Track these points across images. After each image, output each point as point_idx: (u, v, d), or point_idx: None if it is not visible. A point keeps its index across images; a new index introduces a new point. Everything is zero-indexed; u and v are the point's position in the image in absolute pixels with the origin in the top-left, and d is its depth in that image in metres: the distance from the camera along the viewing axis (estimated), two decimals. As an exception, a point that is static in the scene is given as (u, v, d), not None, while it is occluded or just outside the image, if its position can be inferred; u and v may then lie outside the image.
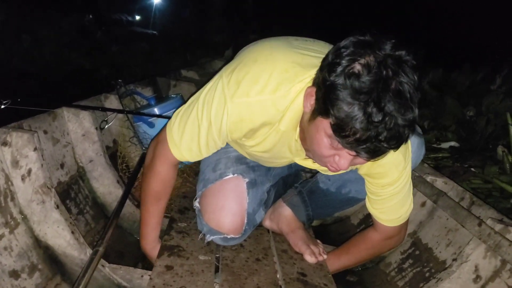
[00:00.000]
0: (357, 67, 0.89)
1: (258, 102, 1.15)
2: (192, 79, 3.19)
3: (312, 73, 1.08)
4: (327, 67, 0.95)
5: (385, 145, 0.91)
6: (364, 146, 0.91)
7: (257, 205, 1.60)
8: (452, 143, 3.03)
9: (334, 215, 2.19)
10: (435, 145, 3.10)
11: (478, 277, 1.38)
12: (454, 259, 1.48)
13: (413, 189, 1.81)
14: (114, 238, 1.80)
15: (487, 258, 1.37)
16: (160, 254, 1.48)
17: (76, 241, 1.44)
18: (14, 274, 1.32)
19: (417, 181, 1.81)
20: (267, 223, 1.78)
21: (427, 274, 1.58)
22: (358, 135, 0.90)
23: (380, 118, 0.87)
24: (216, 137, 1.27)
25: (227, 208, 1.53)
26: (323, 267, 1.62)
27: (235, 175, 1.56)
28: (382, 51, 0.90)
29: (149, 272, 1.39)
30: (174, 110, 2.34)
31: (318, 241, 1.73)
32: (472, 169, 2.61)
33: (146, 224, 1.54)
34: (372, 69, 0.88)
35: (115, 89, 2.33)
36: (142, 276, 1.43)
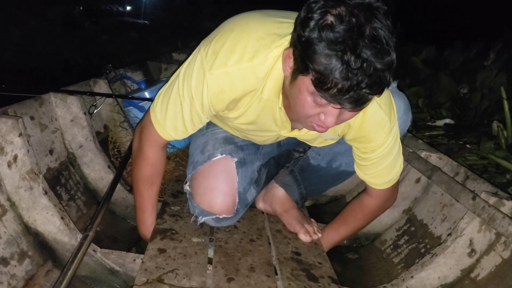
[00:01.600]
0: (330, 18, 0.89)
1: (237, 71, 1.14)
2: (183, 62, 3.15)
3: (288, 38, 1.07)
4: (300, 24, 0.94)
5: (368, 91, 0.91)
6: (347, 95, 0.91)
7: (248, 184, 1.58)
8: (447, 120, 3.02)
9: (328, 194, 2.17)
10: (429, 123, 3.09)
11: (473, 251, 1.37)
12: (449, 234, 1.46)
13: (407, 165, 1.82)
14: (107, 223, 1.79)
15: (482, 232, 1.36)
16: (152, 238, 1.46)
17: (66, 226, 1.42)
18: (3, 262, 1.30)
19: (412, 157, 1.79)
20: (261, 205, 1.76)
21: (422, 250, 1.57)
22: (340, 86, 0.89)
23: (359, 65, 0.87)
24: (199, 111, 1.25)
25: (217, 189, 1.52)
26: (317, 246, 1.61)
27: (224, 155, 1.55)
28: (352, 1, 0.90)
29: (142, 256, 1.38)
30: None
31: (312, 220, 1.72)
32: (468, 145, 2.60)
33: (143, 210, 1.53)
34: (345, 18, 0.88)
35: (104, 74, 2.30)
36: (134, 260, 1.41)
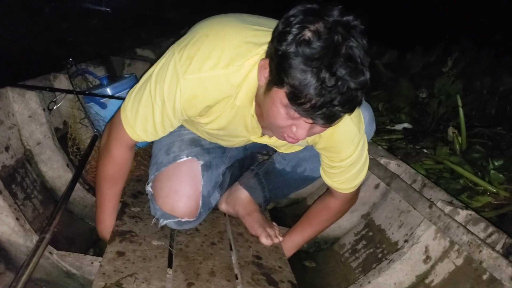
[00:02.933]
0: (307, 34, 0.90)
1: (211, 78, 1.14)
2: (148, 58, 3.08)
3: (265, 48, 1.08)
4: (278, 37, 0.95)
5: (340, 109, 0.93)
6: (320, 112, 0.93)
7: (212, 188, 1.58)
8: (405, 125, 3.10)
9: (290, 197, 2.19)
10: (389, 127, 3.16)
11: (428, 257, 1.42)
12: (406, 240, 1.51)
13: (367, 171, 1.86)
14: (64, 223, 1.74)
15: (437, 239, 1.41)
16: (111, 240, 1.44)
17: (22, 227, 1.37)
18: (-47, 265, 1.25)
19: (371, 163, 1.82)
20: (223, 207, 1.76)
21: (379, 255, 1.61)
22: (313, 102, 0.91)
23: (333, 83, 0.89)
24: (171, 116, 1.24)
25: (181, 192, 1.51)
26: (278, 250, 1.62)
27: (189, 157, 1.54)
28: (330, 17, 0.91)
29: (100, 259, 1.35)
30: (127, 90, 2.27)
31: (274, 223, 1.73)
32: (425, 150, 2.67)
33: (103, 209, 1.50)
34: (322, 35, 0.89)
35: (65, 69, 2.22)
36: (92, 262, 1.38)
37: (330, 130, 1.21)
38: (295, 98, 0.93)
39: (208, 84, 1.15)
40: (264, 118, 1.13)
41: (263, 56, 1.08)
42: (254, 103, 1.22)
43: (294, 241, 1.63)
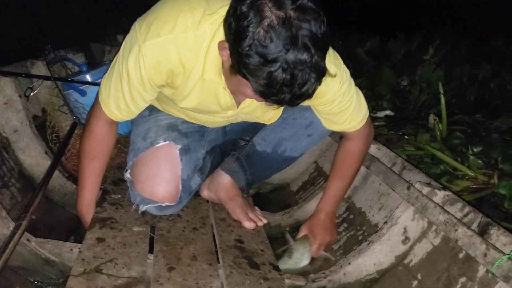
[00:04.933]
0: (261, 33, 0.91)
1: (170, 40, 1.16)
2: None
3: (221, 13, 1.12)
4: (234, 35, 0.97)
5: (301, 100, 1.00)
6: (283, 103, 0.99)
7: (192, 172, 1.57)
8: (387, 112, 3.13)
9: (273, 183, 2.20)
10: (371, 114, 3.18)
11: (406, 238, 1.44)
12: (385, 222, 1.52)
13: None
14: (43, 211, 1.71)
15: (415, 220, 1.43)
16: (91, 227, 1.42)
17: (-2, 216, 1.35)
18: None
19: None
20: (205, 193, 1.76)
21: (360, 237, 1.63)
22: (275, 97, 0.97)
23: (294, 80, 0.93)
24: (139, 88, 1.26)
25: (160, 176, 1.50)
26: (260, 233, 1.63)
27: (167, 142, 1.53)
28: (283, 7, 0.92)
29: (79, 245, 1.34)
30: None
31: (256, 207, 1.74)
32: (406, 136, 2.70)
33: (81, 185, 1.50)
34: (277, 31, 0.91)
35: (43, 55, 2.18)
36: (71, 249, 1.37)
37: None
38: (260, 93, 0.99)
39: (168, 47, 1.17)
40: (233, 89, 1.20)
41: (220, 20, 1.10)
42: (223, 76, 1.24)
43: (329, 200, 1.62)
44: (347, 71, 1.36)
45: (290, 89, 0.95)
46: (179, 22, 1.16)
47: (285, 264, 1.53)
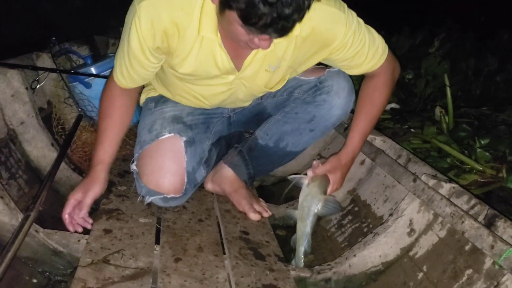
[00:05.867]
0: None
1: (163, 0, 1.21)
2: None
3: None
4: None
5: (290, 20, 0.99)
6: (272, 28, 1.00)
7: (197, 164, 1.58)
8: (393, 105, 3.11)
9: (276, 175, 2.20)
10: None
11: (412, 230, 1.44)
12: (391, 214, 1.53)
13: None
14: (50, 202, 1.72)
15: (421, 212, 1.43)
16: (98, 218, 1.44)
17: (6, 206, 1.36)
18: None
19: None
20: (209, 186, 1.76)
21: (365, 229, 1.63)
22: (263, 20, 0.98)
23: None
24: (138, 53, 1.31)
25: (165, 168, 1.51)
26: (265, 225, 1.64)
27: (172, 134, 1.54)
28: None
29: (87, 237, 1.35)
30: (112, 69, 2.24)
31: (261, 199, 1.74)
32: (412, 129, 2.69)
33: (96, 141, 1.52)
34: None
35: (48, 48, 2.19)
36: (79, 240, 1.37)
37: (308, 28, 1.28)
38: (246, 19, 1.00)
39: (160, 7, 1.22)
40: (227, 36, 1.21)
41: None
42: (219, 34, 1.26)
43: (355, 141, 1.54)
44: (354, 13, 1.36)
45: (272, 9, 0.95)
46: None
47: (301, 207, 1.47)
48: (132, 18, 1.24)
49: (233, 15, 1.03)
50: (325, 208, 1.45)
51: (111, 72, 1.50)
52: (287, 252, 1.54)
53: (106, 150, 1.48)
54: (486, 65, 3.65)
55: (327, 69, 1.55)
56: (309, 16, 1.14)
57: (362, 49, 1.39)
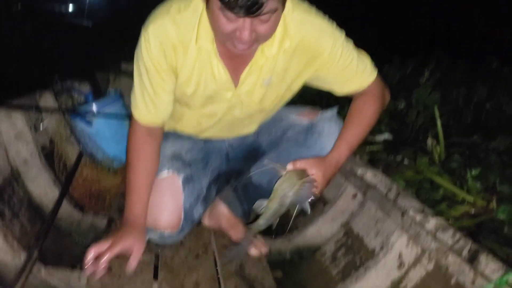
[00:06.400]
0: None
1: (167, 20, 1.31)
2: (132, 73, 3.14)
3: None
4: None
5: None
6: (241, 5, 1.07)
7: (194, 201, 1.62)
8: (386, 136, 3.18)
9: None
10: (369, 139, 3.24)
11: (401, 264, 1.48)
12: (381, 248, 1.58)
13: (345, 181, 1.93)
14: (52, 239, 1.77)
15: (409, 246, 1.48)
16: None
17: (10, 246, 1.42)
18: None
19: (349, 174, 1.91)
20: (207, 222, 1.82)
21: (357, 263, 1.67)
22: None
23: None
24: (156, 75, 1.37)
25: (162, 206, 1.56)
26: (260, 260, 1.68)
27: (170, 171, 1.59)
28: None
29: (87, 274, 1.39)
30: (112, 106, 2.32)
31: (257, 235, 1.79)
32: (405, 160, 2.75)
33: (127, 194, 1.52)
34: None
35: (51, 86, 2.27)
36: (79, 278, 1.42)
37: (297, 38, 1.35)
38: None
39: (166, 25, 1.31)
40: (214, 33, 1.28)
41: None
42: (215, 44, 1.34)
43: (342, 148, 1.45)
44: (342, 31, 1.42)
45: None
46: (173, 6, 1.32)
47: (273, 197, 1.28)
48: (143, 43, 1.34)
49: (214, 1, 1.13)
50: (300, 191, 1.25)
51: (130, 123, 1.51)
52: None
53: (140, 203, 1.50)
54: (476, 94, 3.74)
55: (320, 112, 1.61)
56: (299, 27, 1.29)
57: (350, 64, 1.43)
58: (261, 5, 1.09)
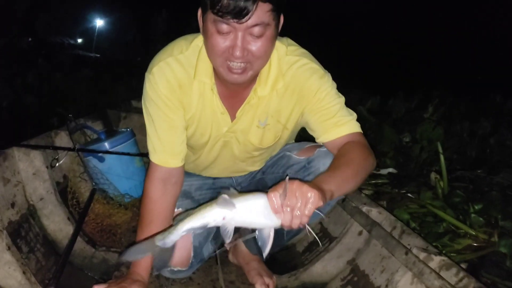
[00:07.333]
0: None
1: (171, 60, 1.39)
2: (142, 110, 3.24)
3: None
4: None
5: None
6: (229, 9, 1.15)
7: (204, 239, 1.68)
8: (390, 170, 3.23)
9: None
10: (375, 172, 3.29)
11: (406, 302, 1.52)
12: (386, 286, 1.61)
13: (350, 218, 1.98)
14: (65, 274, 1.82)
15: (414, 284, 1.51)
16: (110, 291, 1.52)
17: (28, 281, 1.47)
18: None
19: (354, 211, 1.95)
20: (231, 257, 1.92)
21: (364, 300, 1.71)
22: (223, 2, 1.15)
23: None
24: (166, 110, 1.42)
25: None
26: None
27: (180, 210, 1.65)
28: None
29: (100, 310, 1.43)
30: (124, 144, 2.40)
31: (271, 273, 1.83)
32: (409, 194, 2.80)
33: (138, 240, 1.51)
34: None
35: (65, 125, 2.36)
36: (93, 314, 1.46)
37: (289, 77, 1.42)
38: (212, 5, 1.17)
39: (171, 64, 1.38)
40: (211, 59, 1.32)
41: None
42: (214, 78, 1.40)
43: (324, 178, 1.25)
44: (334, 83, 1.46)
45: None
46: (175, 47, 1.40)
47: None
48: (149, 85, 1.40)
49: (208, 16, 1.21)
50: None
51: (147, 170, 1.52)
52: None
53: (146, 261, 1.49)
54: (480, 128, 3.80)
55: (317, 149, 1.59)
56: (291, 67, 1.38)
57: (337, 111, 1.42)
58: (249, 10, 1.15)
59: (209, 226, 1.16)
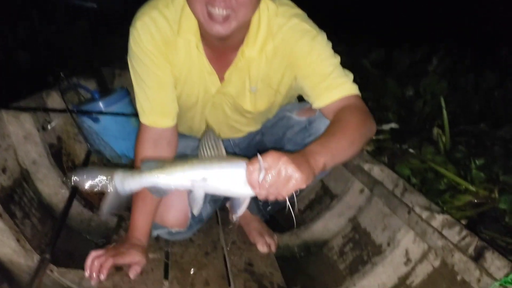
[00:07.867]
0: None
1: (156, 14, 1.32)
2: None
3: None
4: None
5: None
6: None
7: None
8: (392, 125, 3.17)
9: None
10: (377, 127, 3.23)
11: (408, 260, 1.49)
12: (388, 244, 1.59)
13: (351, 176, 1.94)
14: (62, 239, 1.80)
15: (416, 243, 1.49)
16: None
17: (22, 248, 1.44)
18: (-41, 287, 1.31)
19: (356, 169, 1.91)
20: (231, 217, 1.90)
21: (365, 258, 1.69)
22: None
23: None
24: (153, 66, 1.35)
25: (169, 204, 1.59)
26: (269, 256, 1.71)
27: None
28: None
29: (99, 274, 1.42)
30: (119, 103, 2.34)
31: (272, 232, 1.82)
32: (411, 149, 2.75)
33: (132, 212, 1.53)
34: None
35: (57, 84, 2.28)
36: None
37: (278, 38, 1.33)
38: None
39: (156, 18, 1.31)
40: (189, 2, 1.23)
41: None
42: (199, 36, 1.33)
43: (316, 146, 1.14)
44: (329, 42, 1.35)
45: None
46: (160, 2, 1.32)
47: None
48: (132, 40, 1.33)
49: None
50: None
51: (139, 126, 1.47)
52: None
53: (143, 225, 1.51)
54: (485, 81, 3.71)
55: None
56: (280, 29, 1.29)
57: (330, 69, 1.32)
58: None
59: (176, 188, 1.08)
